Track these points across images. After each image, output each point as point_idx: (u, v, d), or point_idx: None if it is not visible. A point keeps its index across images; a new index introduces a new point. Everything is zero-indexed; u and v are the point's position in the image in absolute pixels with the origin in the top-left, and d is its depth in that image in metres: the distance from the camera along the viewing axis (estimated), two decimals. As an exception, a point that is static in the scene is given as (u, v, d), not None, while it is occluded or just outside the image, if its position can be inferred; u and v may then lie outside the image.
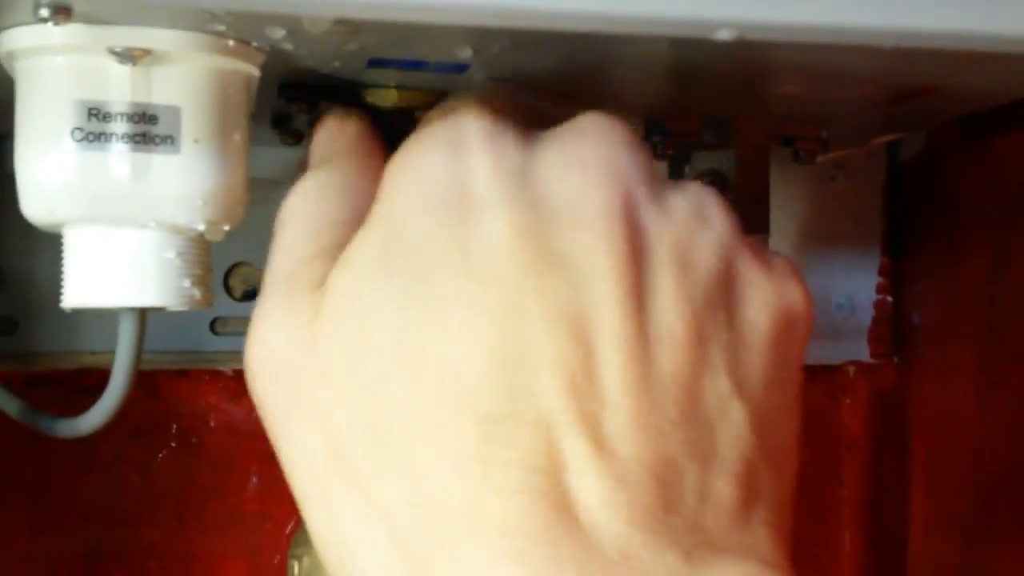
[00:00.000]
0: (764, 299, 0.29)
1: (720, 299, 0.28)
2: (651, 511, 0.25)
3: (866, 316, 0.60)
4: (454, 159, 0.29)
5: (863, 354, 0.61)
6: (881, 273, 0.60)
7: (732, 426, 0.27)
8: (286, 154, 0.48)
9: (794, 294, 0.30)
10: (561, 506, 0.25)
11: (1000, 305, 0.53)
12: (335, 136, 0.34)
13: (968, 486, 0.56)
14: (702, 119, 0.44)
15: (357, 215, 0.31)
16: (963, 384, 0.56)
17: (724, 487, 0.27)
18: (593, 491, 0.25)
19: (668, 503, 0.26)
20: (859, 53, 0.32)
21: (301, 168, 0.35)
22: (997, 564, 0.55)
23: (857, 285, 0.60)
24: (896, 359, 0.61)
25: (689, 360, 0.27)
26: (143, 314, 0.34)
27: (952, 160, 0.56)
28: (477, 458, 0.26)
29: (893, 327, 0.61)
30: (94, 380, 0.51)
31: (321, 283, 0.30)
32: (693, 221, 0.29)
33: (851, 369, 0.61)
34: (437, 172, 0.29)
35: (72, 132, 0.31)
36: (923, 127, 0.55)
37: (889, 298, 0.61)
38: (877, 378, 0.62)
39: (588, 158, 0.28)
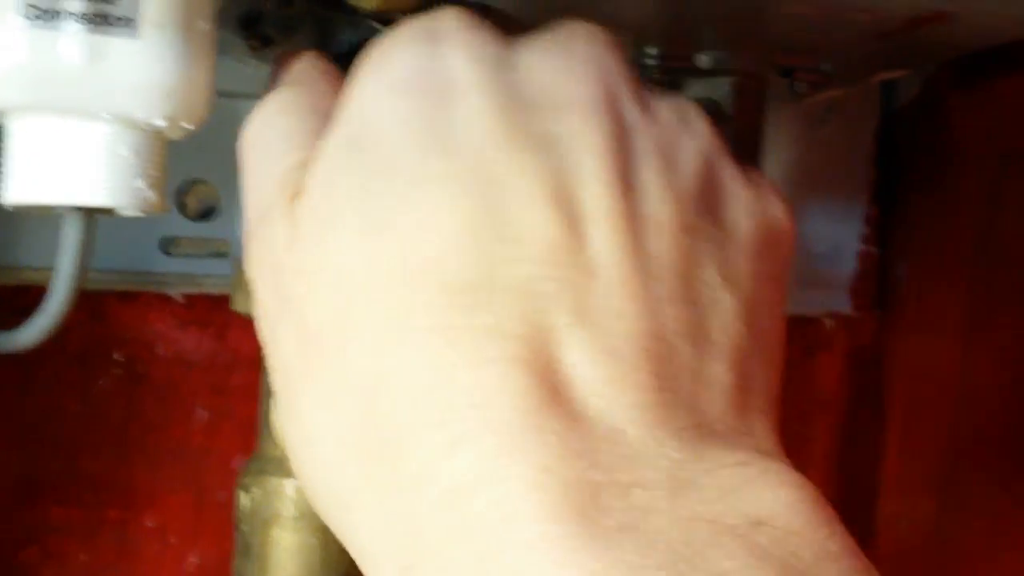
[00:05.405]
0: (747, 209, 0.28)
1: (704, 201, 0.28)
2: (642, 387, 0.24)
3: (849, 267, 0.59)
4: (428, 47, 0.28)
5: (844, 306, 0.59)
6: (867, 223, 0.59)
7: (723, 314, 0.26)
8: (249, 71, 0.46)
9: (777, 210, 0.29)
10: (542, 377, 0.24)
11: (990, 257, 0.52)
12: (296, 62, 0.33)
13: (945, 446, 0.55)
14: (698, 42, 0.42)
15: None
16: (947, 340, 0.55)
17: (718, 370, 0.26)
18: (578, 364, 0.24)
19: (661, 380, 0.25)
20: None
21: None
22: (969, 526, 0.54)
23: (842, 234, 0.58)
24: (878, 312, 0.59)
25: (678, 246, 0.26)
26: (91, 216, 0.31)
27: (947, 106, 0.55)
28: (442, 328, 0.24)
29: (877, 279, 0.59)
30: (31, 300, 0.48)
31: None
32: (676, 125, 0.28)
33: (829, 322, 0.60)
34: (409, 59, 0.28)
35: (21, 7, 0.29)
36: (926, 63, 0.53)
37: (874, 249, 0.59)
38: (856, 331, 0.60)
39: (573, 52, 0.28)
